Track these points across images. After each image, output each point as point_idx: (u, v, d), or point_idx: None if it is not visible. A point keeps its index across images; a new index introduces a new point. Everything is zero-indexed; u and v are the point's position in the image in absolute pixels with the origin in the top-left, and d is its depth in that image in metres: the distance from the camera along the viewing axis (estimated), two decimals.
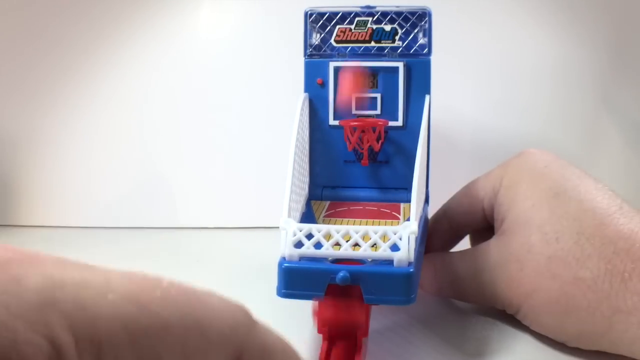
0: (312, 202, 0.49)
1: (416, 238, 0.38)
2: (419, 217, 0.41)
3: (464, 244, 0.53)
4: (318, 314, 0.38)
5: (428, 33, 0.49)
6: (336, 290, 0.37)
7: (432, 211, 0.52)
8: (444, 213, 0.51)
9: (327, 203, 0.48)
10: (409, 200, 0.47)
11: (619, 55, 0.69)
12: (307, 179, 0.50)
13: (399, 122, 0.49)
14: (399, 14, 0.49)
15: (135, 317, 0.20)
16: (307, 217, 0.46)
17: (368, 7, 0.49)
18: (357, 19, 0.49)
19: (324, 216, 0.46)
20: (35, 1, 0.69)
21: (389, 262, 0.37)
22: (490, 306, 0.46)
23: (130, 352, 0.20)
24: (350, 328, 0.37)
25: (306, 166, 0.49)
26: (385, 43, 0.49)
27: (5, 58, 0.70)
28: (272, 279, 0.39)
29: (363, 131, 0.48)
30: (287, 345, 0.25)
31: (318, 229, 0.38)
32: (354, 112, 0.49)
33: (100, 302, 0.19)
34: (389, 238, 0.38)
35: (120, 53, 0.70)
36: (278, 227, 0.40)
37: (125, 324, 0.20)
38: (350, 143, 0.48)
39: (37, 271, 0.19)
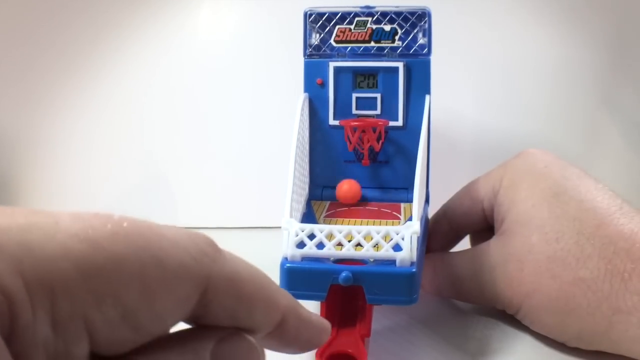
0: (313, 202, 0.49)
1: (418, 238, 0.38)
2: (420, 216, 0.41)
3: (464, 244, 0.53)
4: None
5: (428, 33, 0.49)
6: (338, 295, 0.37)
7: (432, 211, 0.52)
8: (444, 213, 0.51)
9: (328, 203, 0.49)
10: (409, 200, 0.48)
11: (620, 55, 0.69)
12: (307, 179, 0.50)
13: (399, 122, 0.49)
14: (398, 14, 0.49)
15: (86, 255, 0.19)
16: (308, 217, 0.46)
17: (368, 7, 0.49)
18: (356, 19, 0.49)
19: (325, 216, 0.46)
20: (36, 1, 0.69)
21: (392, 262, 0.37)
22: (490, 306, 0.46)
23: (86, 292, 0.19)
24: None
25: (306, 166, 0.49)
26: (385, 43, 0.49)
27: (5, 58, 0.70)
28: (273, 279, 0.39)
29: (363, 131, 0.48)
30: (257, 272, 0.24)
31: (320, 229, 0.39)
32: (354, 112, 0.49)
33: (49, 243, 0.19)
34: (391, 238, 0.38)
35: (120, 53, 0.70)
36: (278, 227, 0.40)
37: (76, 263, 0.19)
38: (351, 143, 0.48)
39: None
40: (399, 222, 0.45)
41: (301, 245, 0.38)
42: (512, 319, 0.45)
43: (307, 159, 0.49)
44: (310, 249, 0.38)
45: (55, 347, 0.19)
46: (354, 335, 0.38)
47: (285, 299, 0.25)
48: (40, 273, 0.18)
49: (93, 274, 0.19)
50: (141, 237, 0.21)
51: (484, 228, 0.49)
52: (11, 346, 0.18)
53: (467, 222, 0.50)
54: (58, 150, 0.72)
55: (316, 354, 0.37)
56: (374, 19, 0.49)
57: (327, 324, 0.27)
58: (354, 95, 0.49)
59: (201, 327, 0.24)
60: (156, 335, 0.22)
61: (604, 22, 0.68)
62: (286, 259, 0.38)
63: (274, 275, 0.38)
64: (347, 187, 0.47)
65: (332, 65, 0.49)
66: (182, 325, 0.23)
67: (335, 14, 0.49)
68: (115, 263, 0.20)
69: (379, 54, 0.49)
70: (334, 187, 0.49)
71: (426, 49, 0.49)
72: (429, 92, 0.49)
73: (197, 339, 0.23)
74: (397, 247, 0.38)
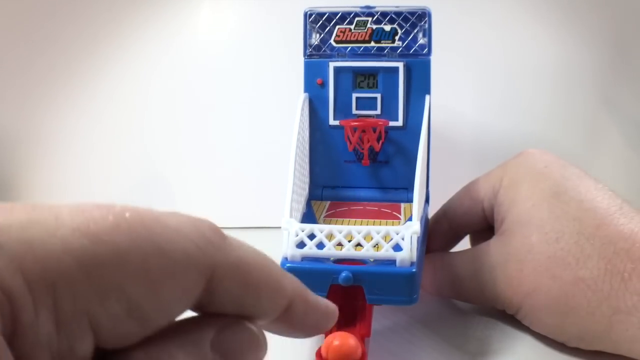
0: (312, 202, 0.49)
1: (418, 238, 0.38)
2: (420, 217, 0.41)
3: (464, 244, 0.53)
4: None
5: (428, 33, 0.49)
6: (338, 295, 0.37)
7: (432, 211, 0.52)
8: (444, 213, 0.51)
9: (328, 203, 0.49)
10: (409, 200, 0.48)
11: (620, 55, 0.69)
12: (307, 179, 0.50)
13: (399, 122, 0.49)
14: (398, 14, 0.49)
15: (88, 250, 0.19)
16: (308, 217, 0.46)
17: (368, 7, 0.49)
18: (356, 19, 0.49)
19: (325, 216, 0.46)
20: (36, 0, 0.69)
21: (392, 262, 0.37)
22: (490, 306, 0.46)
23: (88, 287, 0.19)
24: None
25: (306, 166, 0.49)
26: (385, 43, 0.49)
27: (5, 57, 0.70)
28: None
29: (363, 131, 0.48)
30: (263, 258, 0.24)
31: (320, 229, 0.39)
32: (354, 112, 0.49)
33: (49, 239, 0.19)
34: (391, 238, 0.38)
35: (120, 52, 0.70)
36: (278, 227, 0.40)
37: (77, 258, 0.19)
38: (351, 143, 0.48)
39: None
40: (399, 222, 0.45)
41: (301, 245, 0.38)
42: (512, 319, 0.45)
43: (307, 159, 0.50)
44: (310, 249, 0.38)
45: (59, 345, 0.19)
46: (354, 335, 0.38)
47: (292, 284, 0.25)
48: (41, 270, 0.18)
49: (95, 269, 0.19)
50: (144, 228, 0.21)
51: (484, 228, 0.49)
52: (14, 346, 0.18)
53: (467, 222, 0.50)
54: (58, 149, 0.72)
55: (316, 353, 0.37)
56: (374, 19, 0.49)
57: (333, 307, 0.27)
58: (354, 95, 0.49)
59: (203, 316, 0.23)
60: (162, 326, 0.22)
61: (604, 22, 0.68)
62: (286, 259, 0.38)
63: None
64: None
65: (332, 65, 0.49)
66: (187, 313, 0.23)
67: (335, 14, 0.49)
68: (118, 256, 0.20)
69: (379, 54, 0.49)
70: (334, 187, 0.49)
71: (426, 49, 0.49)
72: (429, 92, 0.49)
73: (198, 329, 0.23)
74: (397, 247, 0.38)
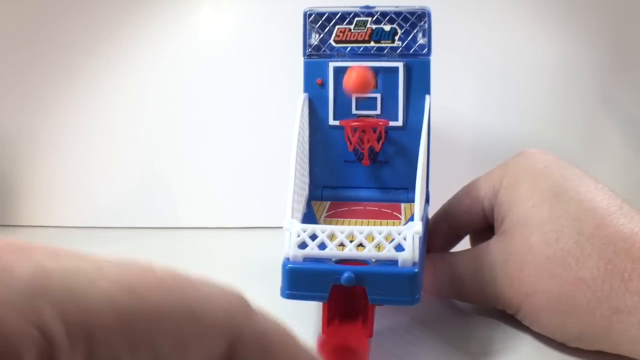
0: (313, 202, 0.49)
1: (420, 238, 0.38)
2: (421, 217, 0.41)
3: (464, 244, 0.53)
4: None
5: (427, 33, 0.49)
6: (340, 296, 0.37)
7: (432, 211, 0.52)
8: (444, 213, 0.51)
9: (328, 203, 0.49)
10: (409, 200, 0.48)
11: (620, 55, 0.69)
12: (307, 180, 0.50)
13: (399, 122, 0.49)
14: (398, 14, 0.49)
15: (127, 305, 0.20)
16: (308, 217, 0.46)
17: (367, 7, 0.49)
18: (356, 19, 0.49)
19: (325, 217, 0.46)
20: (36, 1, 0.69)
21: (393, 262, 0.37)
22: (491, 306, 0.46)
23: (124, 340, 0.19)
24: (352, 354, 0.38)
25: (306, 166, 0.49)
26: (385, 43, 0.49)
27: (5, 57, 0.70)
28: (274, 280, 0.39)
29: (363, 131, 0.48)
30: (286, 332, 0.25)
31: (322, 230, 0.39)
32: (354, 112, 0.49)
33: (92, 290, 0.19)
34: (393, 238, 0.38)
35: (120, 53, 0.70)
36: (278, 227, 0.40)
37: (117, 311, 0.19)
38: (351, 143, 0.48)
39: (27, 260, 0.19)
40: (400, 222, 0.45)
41: (303, 245, 0.38)
42: (512, 319, 0.45)
43: (307, 159, 0.49)
44: (312, 249, 0.38)
45: None
46: (357, 330, 0.38)
47: (308, 358, 0.26)
48: (82, 319, 0.19)
49: (132, 324, 0.20)
50: (180, 291, 0.21)
51: (484, 228, 0.49)
52: None
53: (467, 222, 0.50)
54: (58, 150, 0.72)
55: (318, 345, 0.37)
56: (374, 19, 0.49)
57: None
58: (354, 96, 0.49)
59: None
60: None
61: (603, 22, 0.68)
62: (288, 259, 0.38)
63: (275, 276, 0.39)
64: (355, 75, 0.46)
65: (332, 65, 0.49)
66: None
67: (335, 14, 0.49)
68: (154, 314, 0.20)
69: (379, 54, 0.49)
70: (334, 188, 0.49)
71: (426, 49, 0.49)
72: (429, 92, 0.49)
73: None
74: (398, 248, 0.38)
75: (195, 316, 0.21)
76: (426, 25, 0.49)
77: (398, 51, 0.49)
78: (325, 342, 0.37)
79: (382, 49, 0.49)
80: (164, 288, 0.21)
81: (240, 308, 0.23)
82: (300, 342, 0.25)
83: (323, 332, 0.38)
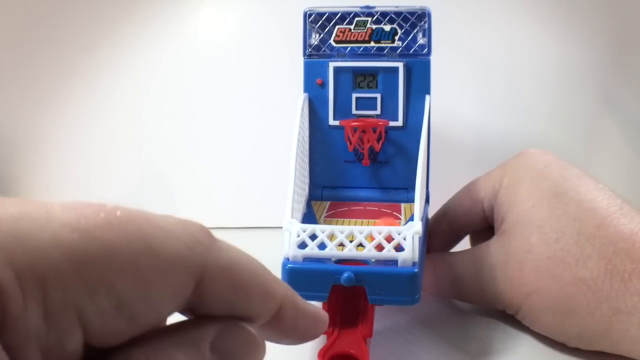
0: (313, 202, 0.49)
1: (420, 238, 0.38)
2: (421, 217, 0.41)
3: (464, 244, 0.53)
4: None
5: (427, 33, 0.49)
6: (340, 296, 0.37)
7: (432, 211, 0.52)
8: (444, 213, 0.51)
9: (328, 203, 0.49)
10: (409, 200, 0.48)
11: (620, 55, 0.69)
12: (307, 180, 0.50)
13: (399, 122, 0.49)
14: (398, 14, 0.49)
15: (78, 245, 0.19)
16: (308, 217, 0.46)
17: (367, 7, 0.49)
18: (356, 19, 0.49)
19: (325, 217, 0.46)
20: (35, 0, 0.69)
21: (393, 262, 0.37)
22: (491, 306, 0.46)
23: (78, 282, 0.19)
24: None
25: (306, 166, 0.49)
26: (385, 43, 0.49)
27: (5, 57, 0.70)
28: None
29: (363, 131, 0.48)
30: (253, 261, 0.24)
31: (322, 230, 0.39)
32: (354, 112, 0.49)
33: (40, 233, 0.19)
34: (393, 238, 0.38)
35: (120, 53, 0.70)
36: (278, 227, 0.40)
37: (67, 253, 0.19)
38: (351, 143, 0.48)
39: None
40: (400, 222, 0.45)
41: (303, 245, 0.38)
42: (512, 319, 0.45)
43: (307, 159, 0.49)
44: (312, 249, 0.38)
45: (48, 338, 0.19)
46: (356, 336, 0.38)
47: (282, 288, 0.25)
48: (31, 264, 0.18)
49: (85, 264, 0.19)
50: (134, 226, 0.21)
51: (484, 228, 0.49)
52: (2, 337, 0.18)
53: (467, 222, 0.50)
54: (58, 150, 0.72)
55: (318, 354, 0.37)
56: (374, 19, 0.49)
57: (324, 314, 0.27)
58: (354, 96, 0.49)
59: (199, 318, 0.23)
60: (151, 325, 0.22)
61: (604, 22, 0.68)
62: (288, 259, 0.38)
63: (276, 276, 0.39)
64: None
65: (332, 65, 0.49)
66: (179, 317, 0.23)
67: (335, 14, 0.49)
68: (108, 252, 0.20)
69: (379, 54, 0.49)
70: (334, 188, 0.49)
71: (426, 49, 0.49)
72: (428, 92, 0.49)
73: (197, 330, 0.23)
74: (398, 248, 0.38)
75: (153, 251, 0.21)
76: (426, 25, 0.49)
77: (398, 51, 0.49)
78: (326, 351, 0.37)
79: (382, 49, 0.49)
80: (117, 224, 0.20)
81: (203, 240, 0.22)
82: (268, 270, 0.25)
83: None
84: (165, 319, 0.23)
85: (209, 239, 0.23)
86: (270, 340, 0.26)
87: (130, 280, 0.20)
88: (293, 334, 0.26)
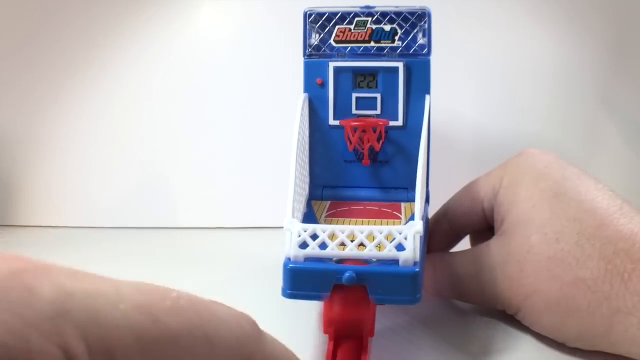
0: (313, 202, 0.49)
1: (421, 237, 0.38)
2: (422, 216, 0.41)
3: (464, 244, 0.53)
4: (324, 314, 0.38)
5: (427, 33, 0.49)
6: (342, 290, 0.37)
7: (432, 211, 0.52)
8: (444, 213, 0.51)
9: (328, 203, 0.49)
10: (409, 200, 0.48)
11: (620, 55, 0.69)
12: (307, 179, 0.50)
13: (399, 122, 0.49)
14: (398, 14, 0.49)
15: (146, 328, 0.20)
16: (308, 217, 0.46)
17: (367, 7, 0.49)
18: (356, 19, 0.49)
19: (325, 216, 0.46)
20: (36, 1, 0.69)
21: (394, 261, 0.37)
22: (491, 306, 0.46)
23: None
24: (357, 327, 0.37)
25: (306, 166, 0.49)
26: (385, 43, 0.49)
27: (6, 57, 0.70)
28: (274, 279, 0.39)
29: (364, 131, 0.48)
30: (292, 355, 0.26)
31: (323, 229, 0.38)
32: (354, 112, 0.49)
33: (112, 312, 0.20)
34: (394, 238, 0.38)
35: (120, 53, 0.70)
36: (278, 227, 0.39)
37: (136, 334, 0.20)
38: (351, 143, 0.48)
39: (50, 281, 0.19)
40: (400, 222, 0.45)
41: (304, 245, 0.38)
42: (512, 319, 0.45)
43: (307, 159, 0.49)
44: (313, 249, 0.38)
45: None
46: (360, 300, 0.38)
47: None
48: (102, 340, 0.19)
49: (150, 346, 0.20)
50: (196, 315, 0.22)
51: (484, 228, 0.49)
52: None
53: (467, 222, 0.50)
54: (58, 150, 0.72)
55: (324, 320, 0.37)
56: (374, 19, 0.49)
57: None
58: (354, 95, 0.49)
59: None
60: None
61: (603, 22, 0.68)
62: (289, 259, 0.38)
63: (276, 276, 0.38)
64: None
65: (332, 65, 0.49)
66: None
67: (335, 14, 0.49)
68: (171, 338, 0.21)
69: (379, 54, 0.49)
70: (334, 187, 0.49)
71: (426, 49, 0.49)
72: (428, 92, 0.49)
73: None
74: (399, 247, 0.38)
75: (209, 341, 0.22)
76: (426, 25, 0.49)
77: (398, 51, 0.49)
78: (328, 314, 0.37)
79: (382, 49, 0.49)
80: (181, 312, 0.22)
81: (252, 333, 0.24)
82: None
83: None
84: None
85: (257, 333, 0.24)
86: None
87: None
88: None
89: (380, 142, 0.48)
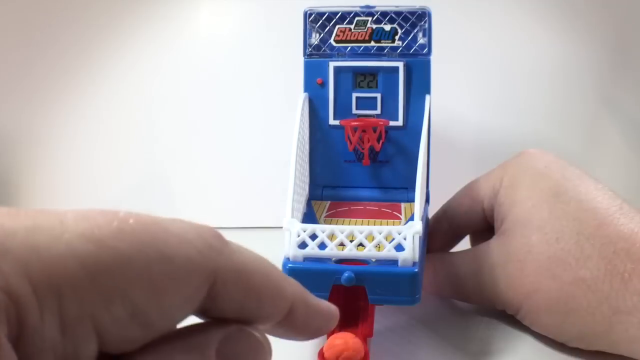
0: (313, 202, 0.49)
1: (420, 238, 0.38)
2: (421, 216, 0.41)
3: (464, 244, 0.53)
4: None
5: (428, 33, 0.49)
6: (340, 295, 0.37)
7: (432, 211, 0.52)
8: (444, 213, 0.51)
9: (328, 203, 0.49)
10: (409, 200, 0.48)
11: (619, 55, 0.69)
12: (307, 179, 0.50)
13: (399, 122, 0.49)
14: (398, 13, 0.49)
15: (93, 254, 0.19)
16: (308, 217, 0.46)
17: (368, 7, 0.49)
18: (356, 18, 0.49)
19: (325, 216, 0.46)
20: (36, 1, 0.69)
21: (394, 262, 0.37)
22: (491, 306, 0.46)
23: (93, 292, 0.19)
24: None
25: (307, 166, 0.49)
26: (385, 43, 0.49)
27: (6, 57, 0.70)
28: None
29: (364, 131, 0.48)
30: (264, 262, 0.24)
31: (322, 230, 0.39)
32: (354, 111, 0.49)
33: (55, 244, 0.19)
34: (393, 238, 0.38)
35: (121, 53, 0.70)
36: (278, 227, 0.40)
37: (82, 262, 0.19)
38: (351, 143, 0.48)
39: None
40: (400, 222, 0.45)
41: (303, 245, 0.38)
42: (512, 319, 0.45)
43: (307, 159, 0.49)
44: (313, 249, 0.38)
45: (64, 349, 0.19)
46: (357, 336, 0.38)
47: (292, 287, 0.25)
48: (47, 275, 0.18)
49: (100, 274, 0.19)
50: (147, 234, 0.21)
51: (484, 228, 0.49)
52: (19, 349, 0.18)
53: (467, 222, 0.50)
54: (59, 150, 0.72)
55: (318, 355, 0.37)
56: (374, 18, 0.49)
57: (334, 309, 0.27)
58: (354, 95, 0.49)
59: (207, 323, 0.24)
60: (164, 331, 0.22)
61: (603, 22, 0.68)
62: (288, 259, 0.38)
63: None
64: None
65: (332, 65, 0.49)
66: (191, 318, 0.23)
67: (335, 13, 0.49)
68: (122, 261, 0.20)
69: (379, 53, 0.49)
70: (334, 187, 0.49)
71: (426, 49, 0.49)
72: (429, 92, 0.49)
73: (203, 336, 0.23)
74: (399, 247, 0.38)
75: (167, 258, 0.21)
76: (426, 25, 0.49)
77: (398, 51, 0.49)
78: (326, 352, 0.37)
79: (383, 48, 0.49)
80: (130, 232, 0.20)
81: (215, 244, 0.22)
82: (278, 269, 0.25)
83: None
84: (178, 324, 0.23)
85: (221, 243, 0.23)
86: (282, 338, 0.26)
87: (144, 288, 0.20)
88: (305, 331, 0.26)
89: (381, 142, 0.48)
